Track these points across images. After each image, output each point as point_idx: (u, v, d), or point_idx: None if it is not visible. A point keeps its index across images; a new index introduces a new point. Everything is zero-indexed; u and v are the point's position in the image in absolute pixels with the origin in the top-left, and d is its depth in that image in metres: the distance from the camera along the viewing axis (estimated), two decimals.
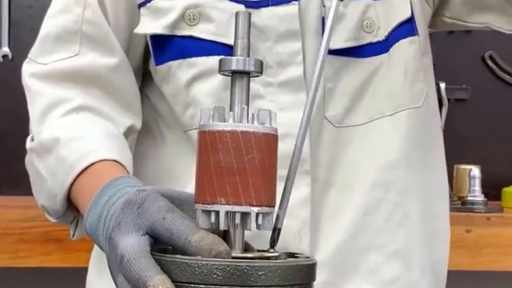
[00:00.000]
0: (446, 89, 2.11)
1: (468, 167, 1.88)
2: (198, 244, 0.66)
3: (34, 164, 0.97)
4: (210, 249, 0.66)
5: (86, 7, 1.02)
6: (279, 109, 0.96)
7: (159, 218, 0.68)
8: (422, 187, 1.04)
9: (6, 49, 1.99)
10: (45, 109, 0.99)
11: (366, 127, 1.00)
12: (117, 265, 0.68)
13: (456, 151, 2.12)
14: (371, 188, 0.99)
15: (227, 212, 0.65)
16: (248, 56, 0.67)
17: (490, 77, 2.14)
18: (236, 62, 0.67)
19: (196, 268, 0.63)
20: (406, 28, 1.04)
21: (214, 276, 0.62)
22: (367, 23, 0.99)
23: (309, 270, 0.66)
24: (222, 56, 0.90)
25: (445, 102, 2.11)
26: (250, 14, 0.68)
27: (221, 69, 0.68)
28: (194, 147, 0.95)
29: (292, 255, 0.70)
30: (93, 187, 0.82)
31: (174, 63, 0.99)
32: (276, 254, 0.69)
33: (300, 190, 0.94)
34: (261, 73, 0.68)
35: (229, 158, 0.64)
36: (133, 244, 0.67)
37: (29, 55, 1.06)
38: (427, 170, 1.05)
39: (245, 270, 0.62)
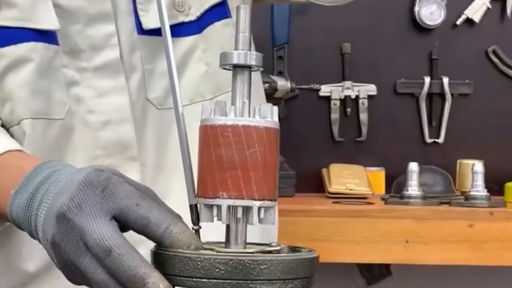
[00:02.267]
0: (449, 83, 2.11)
1: (471, 162, 1.88)
2: (179, 236, 0.66)
3: None
4: (189, 242, 0.66)
5: None
6: (98, 95, 0.93)
7: (132, 204, 0.67)
8: None
9: None
10: None
11: (187, 109, 0.88)
12: (82, 248, 0.66)
13: (459, 145, 2.12)
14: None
15: (229, 206, 0.65)
16: (250, 50, 0.67)
17: (494, 72, 2.14)
18: (237, 56, 0.67)
19: (199, 262, 0.63)
20: (219, 10, 1.02)
21: (217, 270, 0.62)
22: (178, 2, 0.97)
23: (312, 264, 0.66)
24: (32, 43, 0.86)
25: (448, 96, 2.11)
26: (251, 8, 0.68)
27: (222, 63, 0.68)
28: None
29: (294, 249, 0.70)
30: (6, 177, 0.79)
31: None
32: (278, 248, 0.69)
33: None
34: (262, 67, 0.68)
35: (230, 152, 0.64)
36: (115, 235, 0.65)
37: None
38: None
39: (247, 264, 0.62)
